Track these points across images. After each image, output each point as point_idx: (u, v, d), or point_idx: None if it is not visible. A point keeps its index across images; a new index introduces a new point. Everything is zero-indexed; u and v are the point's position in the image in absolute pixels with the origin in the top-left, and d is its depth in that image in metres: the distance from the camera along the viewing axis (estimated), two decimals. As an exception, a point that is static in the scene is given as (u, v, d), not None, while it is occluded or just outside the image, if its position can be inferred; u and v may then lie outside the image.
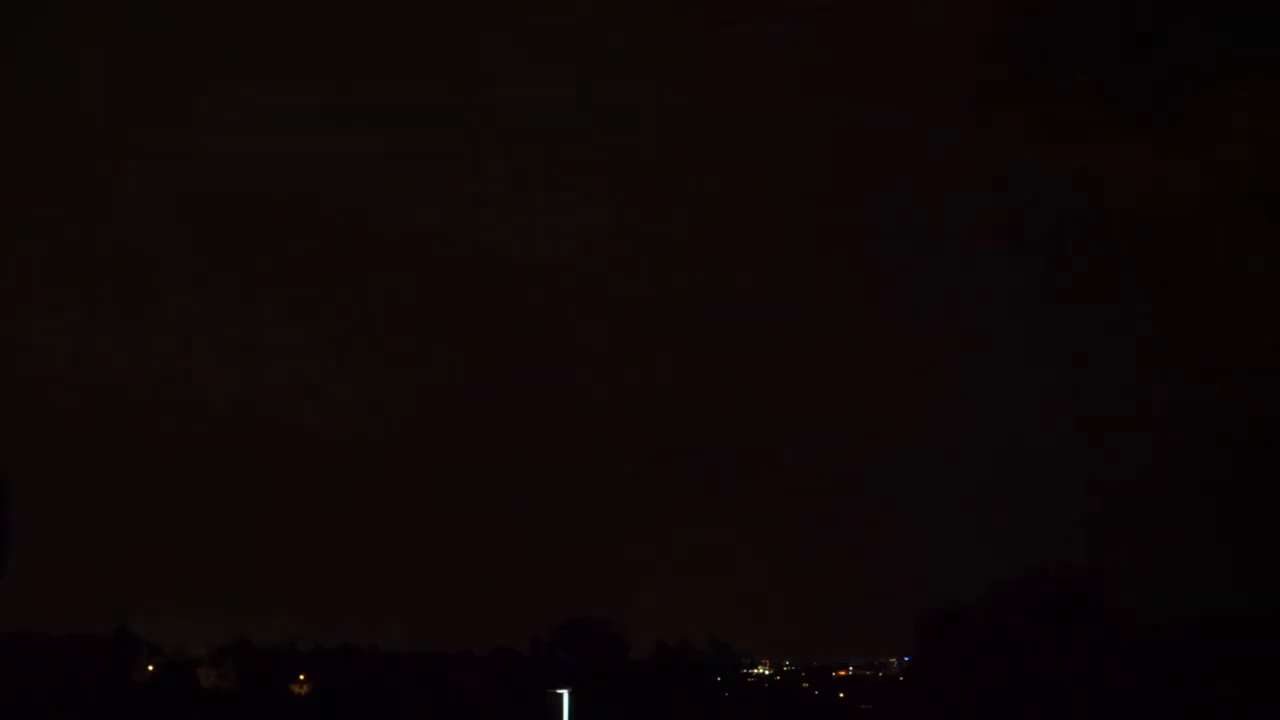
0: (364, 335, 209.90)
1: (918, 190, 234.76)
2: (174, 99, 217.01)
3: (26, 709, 73.30)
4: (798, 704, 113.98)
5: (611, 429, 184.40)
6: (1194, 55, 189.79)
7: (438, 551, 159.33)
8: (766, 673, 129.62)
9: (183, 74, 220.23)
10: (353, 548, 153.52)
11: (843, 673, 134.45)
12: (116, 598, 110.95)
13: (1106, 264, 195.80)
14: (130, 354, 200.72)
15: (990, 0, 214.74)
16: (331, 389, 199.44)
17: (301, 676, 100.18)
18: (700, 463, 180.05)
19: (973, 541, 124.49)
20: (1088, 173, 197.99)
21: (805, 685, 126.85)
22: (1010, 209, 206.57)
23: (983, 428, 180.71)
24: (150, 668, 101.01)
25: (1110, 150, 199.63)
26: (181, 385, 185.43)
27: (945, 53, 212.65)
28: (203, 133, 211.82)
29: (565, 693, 73.16)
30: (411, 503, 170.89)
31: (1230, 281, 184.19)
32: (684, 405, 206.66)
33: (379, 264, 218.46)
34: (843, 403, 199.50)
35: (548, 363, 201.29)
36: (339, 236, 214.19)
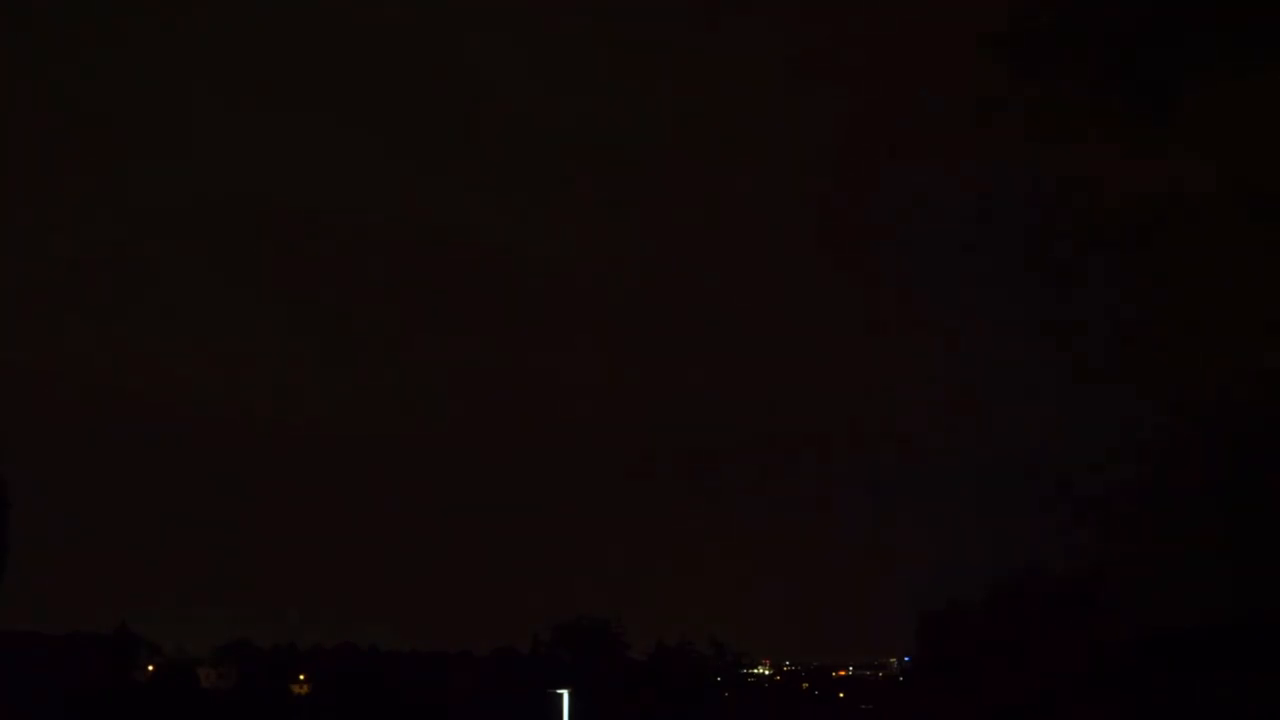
0: (363, 335, 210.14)
1: (916, 192, 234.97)
2: (175, 101, 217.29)
3: (26, 708, 73.28)
4: (798, 704, 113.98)
5: (612, 429, 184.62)
6: (1192, 55, 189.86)
7: (438, 551, 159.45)
8: (766, 673, 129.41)
9: (184, 76, 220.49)
10: (352, 547, 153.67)
11: (843, 673, 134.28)
12: (116, 598, 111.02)
13: (1106, 264, 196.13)
14: (130, 354, 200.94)
15: (988, 1, 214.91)
16: (331, 389, 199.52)
17: (301, 676, 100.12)
18: (701, 464, 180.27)
19: (973, 541, 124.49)
20: (1086, 172, 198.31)
21: (805, 685, 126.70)
22: (1009, 209, 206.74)
23: (983, 428, 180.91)
24: (150, 668, 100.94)
25: (1108, 150, 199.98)
26: (181, 385, 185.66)
27: (943, 53, 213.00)
28: (203, 135, 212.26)
29: (565, 693, 73.14)
30: (411, 502, 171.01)
31: (1229, 281, 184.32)
32: (684, 406, 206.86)
33: (378, 264, 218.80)
34: (842, 403, 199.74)
35: (548, 363, 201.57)
36: (337, 236, 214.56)
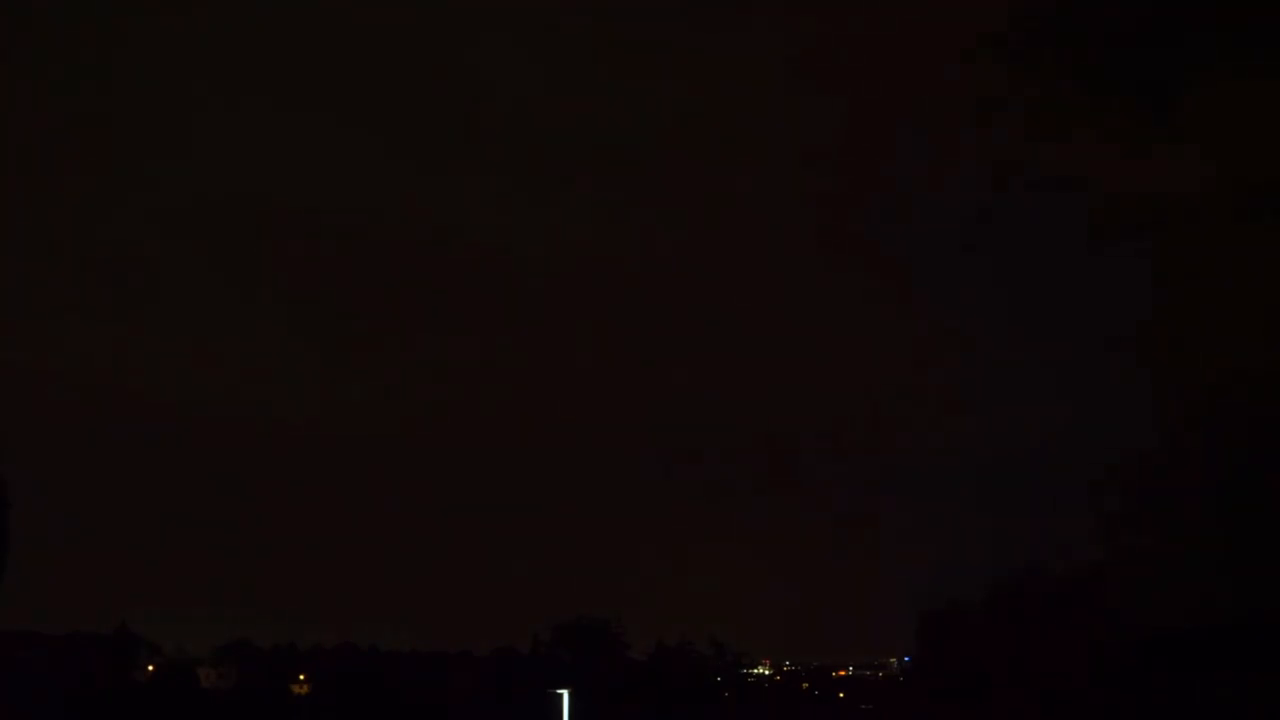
0: (364, 336, 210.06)
1: (917, 191, 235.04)
2: (175, 101, 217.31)
3: (26, 708, 73.31)
4: (798, 704, 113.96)
5: (612, 429, 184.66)
6: (1192, 55, 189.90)
7: (437, 551, 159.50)
8: (766, 673, 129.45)
9: (184, 76, 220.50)
10: (352, 547, 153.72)
11: (843, 673, 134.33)
12: (116, 598, 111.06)
13: (1106, 264, 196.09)
14: (130, 354, 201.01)
15: (988, 1, 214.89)
16: (331, 389, 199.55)
17: (301, 676, 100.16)
18: (701, 464, 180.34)
19: (973, 541, 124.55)
20: (1086, 172, 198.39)
21: (805, 685, 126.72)
22: (1009, 209, 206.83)
23: (983, 428, 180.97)
24: (150, 668, 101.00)
25: (1108, 150, 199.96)
26: (181, 385, 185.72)
27: (943, 53, 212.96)
28: (203, 135, 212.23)
29: (565, 693, 73.11)
30: (412, 503, 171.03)
31: (1229, 281, 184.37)
32: (684, 407, 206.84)
33: (378, 264, 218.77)
34: (842, 403, 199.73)
35: (549, 363, 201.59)
36: (337, 236, 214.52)
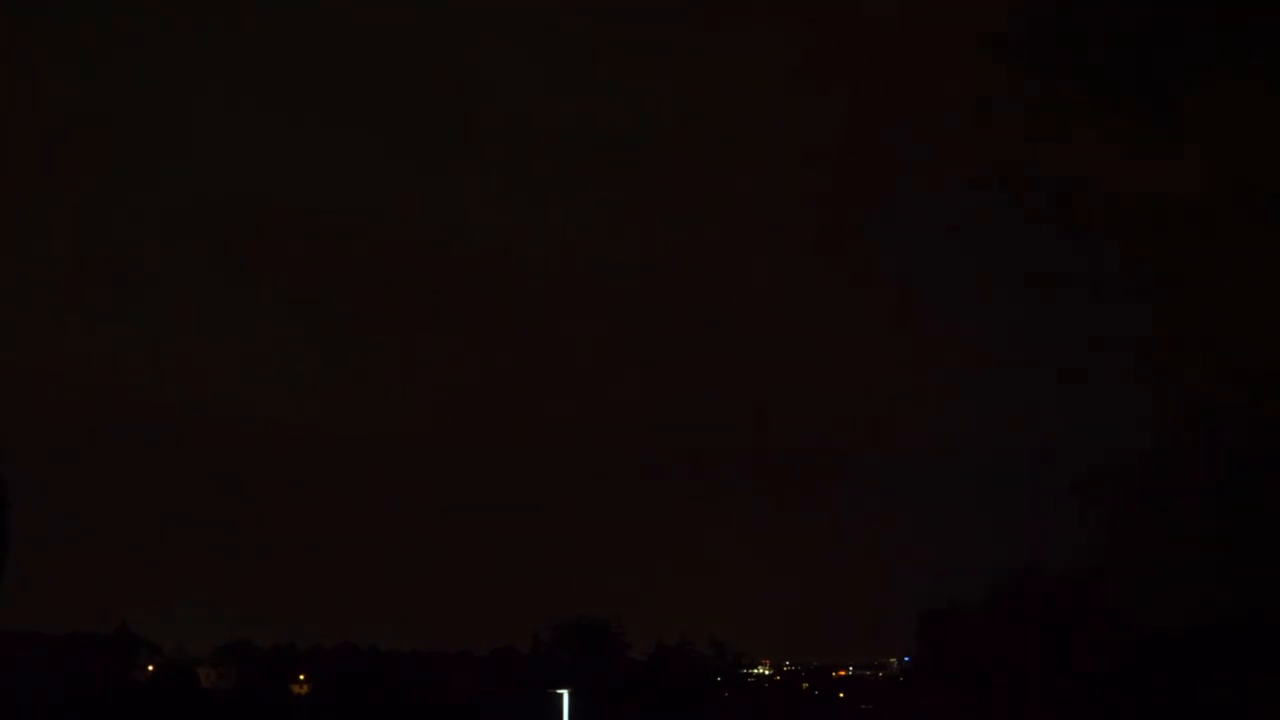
0: (364, 335, 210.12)
1: (916, 191, 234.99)
2: (175, 101, 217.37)
3: (26, 708, 73.33)
4: (798, 704, 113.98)
5: (612, 429, 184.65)
6: (1192, 55, 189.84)
7: (437, 551, 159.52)
8: (766, 673, 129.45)
9: (184, 76, 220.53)
10: (352, 547, 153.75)
11: (843, 673, 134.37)
12: (116, 598, 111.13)
13: (1106, 264, 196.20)
14: (130, 354, 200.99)
15: (988, 1, 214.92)
16: (331, 389, 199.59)
17: (301, 676, 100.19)
18: (701, 464, 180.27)
19: (973, 541, 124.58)
20: (1086, 172, 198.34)
21: (805, 685, 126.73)
22: (1009, 209, 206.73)
23: (983, 428, 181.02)
24: (150, 668, 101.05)
25: (1108, 150, 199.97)
26: (181, 385, 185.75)
27: (943, 53, 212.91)
28: (203, 135, 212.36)
29: (565, 693, 73.09)
30: (412, 503, 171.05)
31: (1229, 281, 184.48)
32: (684, 407, 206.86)
33: (378, 264, 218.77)
34: (842, 404, 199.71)
35: (548, 364, 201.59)
36: (337, 236, 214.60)
